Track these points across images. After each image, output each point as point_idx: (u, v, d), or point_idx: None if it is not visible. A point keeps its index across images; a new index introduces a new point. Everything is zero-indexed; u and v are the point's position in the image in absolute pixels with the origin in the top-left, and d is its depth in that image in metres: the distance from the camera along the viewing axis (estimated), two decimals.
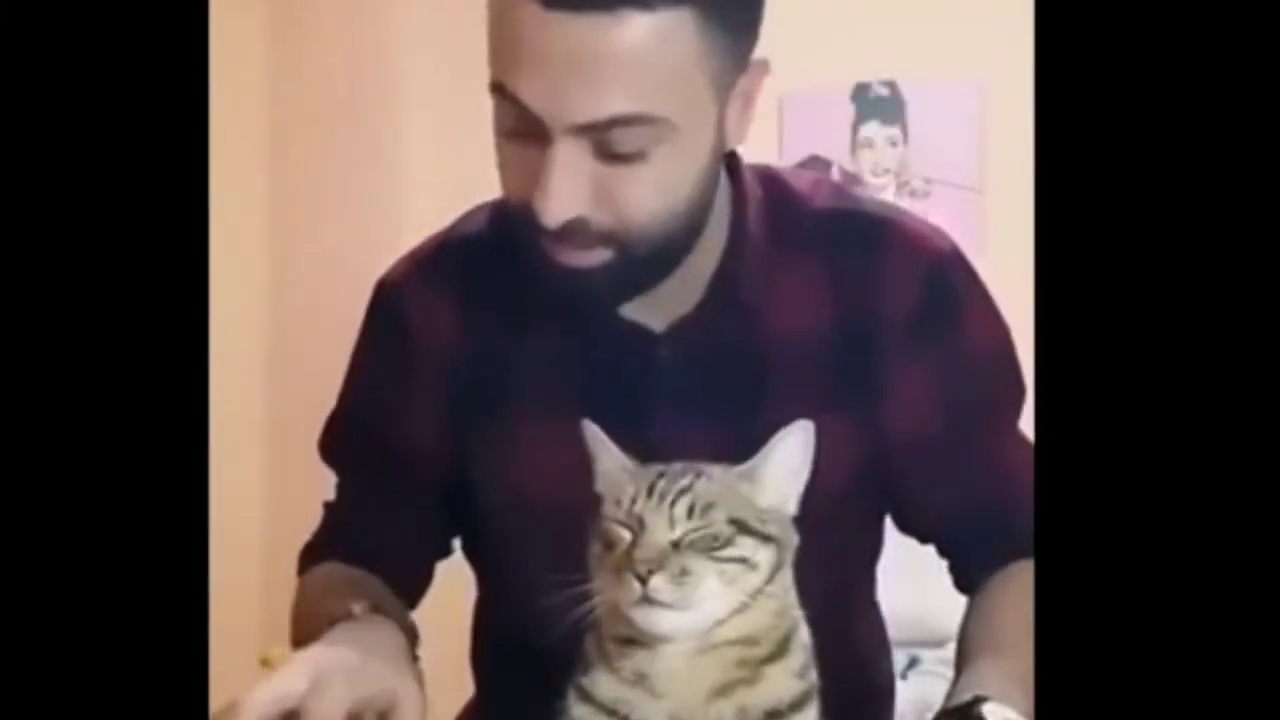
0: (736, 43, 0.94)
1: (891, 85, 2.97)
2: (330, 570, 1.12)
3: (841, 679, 0.83)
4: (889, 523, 1.15)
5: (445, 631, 1.32)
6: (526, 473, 1.06)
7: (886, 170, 2.98)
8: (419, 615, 1.12)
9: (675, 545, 0.77)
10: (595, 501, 0.82)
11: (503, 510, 1.09)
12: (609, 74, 0.88)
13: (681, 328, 1.04)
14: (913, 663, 2.45)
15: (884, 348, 1.04)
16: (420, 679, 0.89)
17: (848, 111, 2.99)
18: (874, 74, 2.97)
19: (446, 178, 2.53)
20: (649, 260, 0.97)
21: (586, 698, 0.81)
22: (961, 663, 0.97)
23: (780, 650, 0.80)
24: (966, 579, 1.10)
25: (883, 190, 2.92)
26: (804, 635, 0.82)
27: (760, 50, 0.97)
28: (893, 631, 1.23)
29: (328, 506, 1.18)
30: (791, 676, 0.80)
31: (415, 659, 0.94)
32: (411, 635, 0.97)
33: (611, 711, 0.80)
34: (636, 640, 0.79)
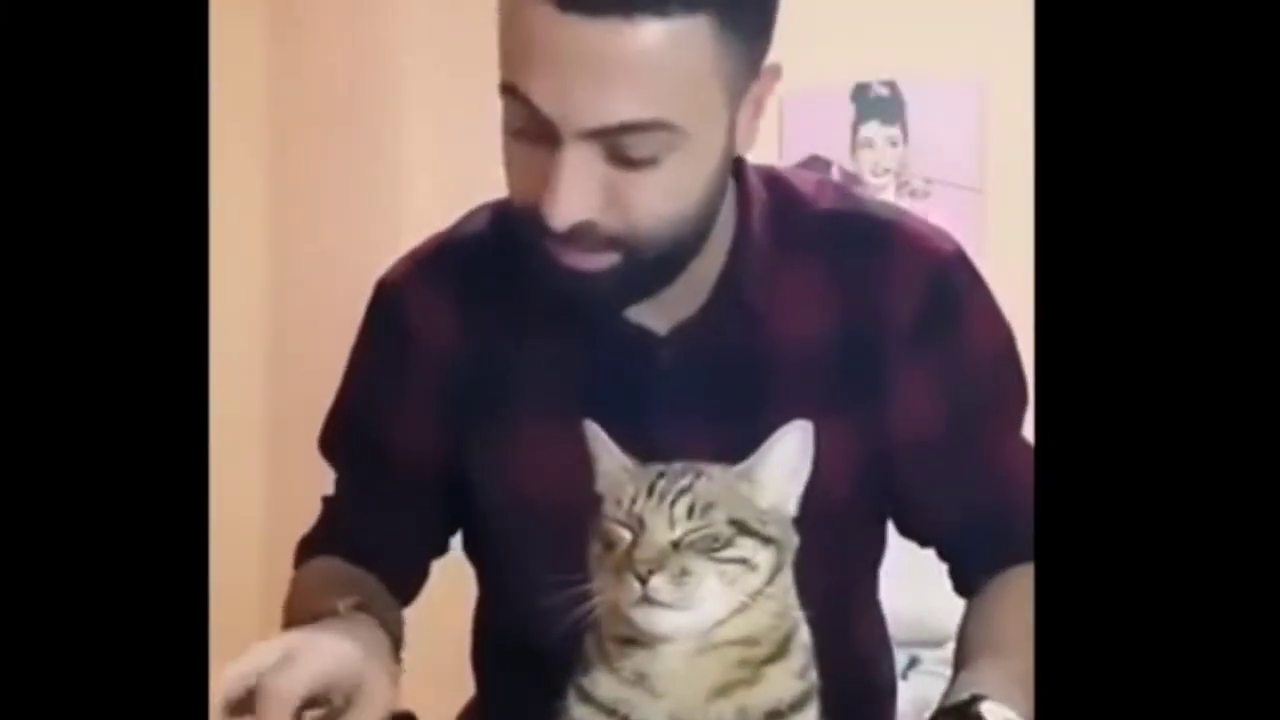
0: (750, 49, 0.93)
1: (891, 85, 2.97)
2: (324, 565, 1.12)
3: (842, 679, 0.83)
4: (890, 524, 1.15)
5: (445, 631, 1.32)
6: (527, 473, 1.06)
7: (886, 170, 2.98)
8: (418, 615, 1.12)
9: (675, 545, 0.77)
10: (595, 501, 0.82)
11: (503, 510, 1.09)
12: (622, 79, 0.87)
13: (685, 330, 1.04)
14: (913, 663, 2.45)
15: (887, 350, 1.04)
16: (396, 677, 0.90)
17: (848, 111, 2.99)
18: (874, 74, 2.97)
19: (447, 178, 2.54)
20: (656, 264, 0.96)
21: (586, 698, 0.81)
22: (960, 663, 0.97)
23: (780, 651, 0.80)
24: (966, 583, 1.09)
25: (883, 190, 2.92)
26: (804, 636, 0.82)
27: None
28: (893, 632, 1.23)
29: (326, 501, 1.19)
30: (792, 677, 0.80)
31: (397, 660, 0.94)
32: (396, 638, 0.97)
33: (611, 711, 0.80)
34: (636, 640, 0.79)
